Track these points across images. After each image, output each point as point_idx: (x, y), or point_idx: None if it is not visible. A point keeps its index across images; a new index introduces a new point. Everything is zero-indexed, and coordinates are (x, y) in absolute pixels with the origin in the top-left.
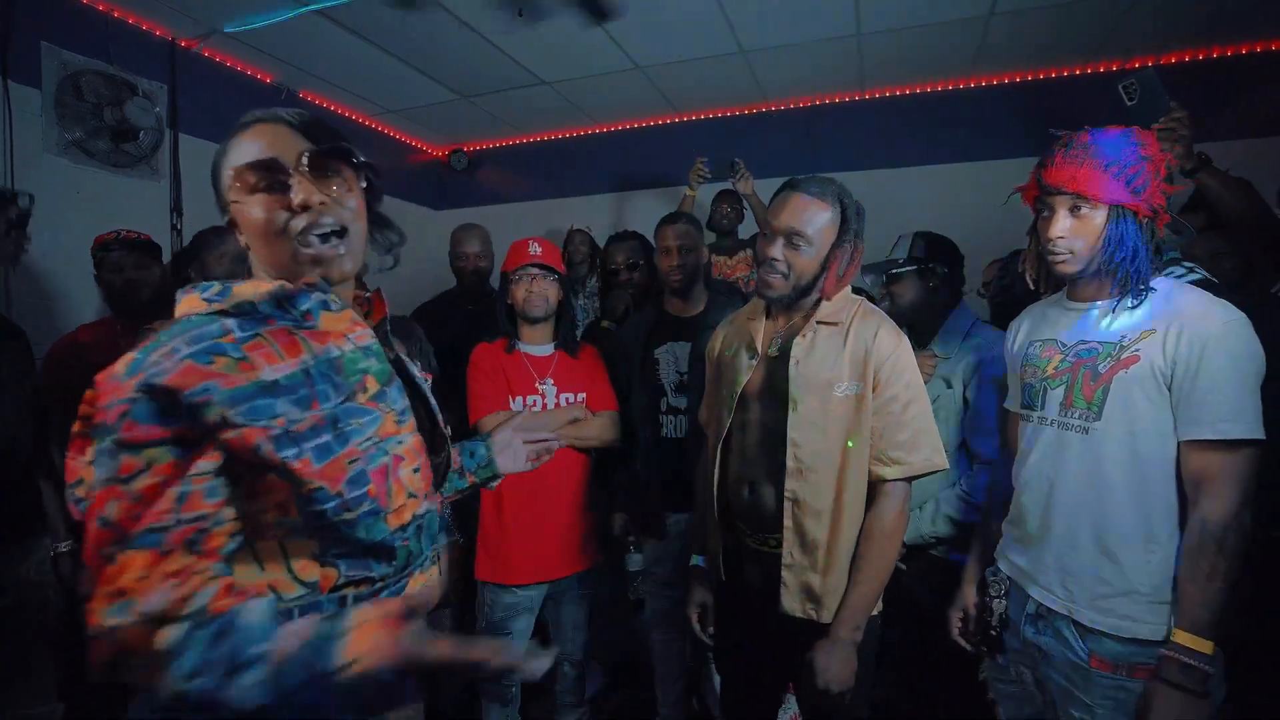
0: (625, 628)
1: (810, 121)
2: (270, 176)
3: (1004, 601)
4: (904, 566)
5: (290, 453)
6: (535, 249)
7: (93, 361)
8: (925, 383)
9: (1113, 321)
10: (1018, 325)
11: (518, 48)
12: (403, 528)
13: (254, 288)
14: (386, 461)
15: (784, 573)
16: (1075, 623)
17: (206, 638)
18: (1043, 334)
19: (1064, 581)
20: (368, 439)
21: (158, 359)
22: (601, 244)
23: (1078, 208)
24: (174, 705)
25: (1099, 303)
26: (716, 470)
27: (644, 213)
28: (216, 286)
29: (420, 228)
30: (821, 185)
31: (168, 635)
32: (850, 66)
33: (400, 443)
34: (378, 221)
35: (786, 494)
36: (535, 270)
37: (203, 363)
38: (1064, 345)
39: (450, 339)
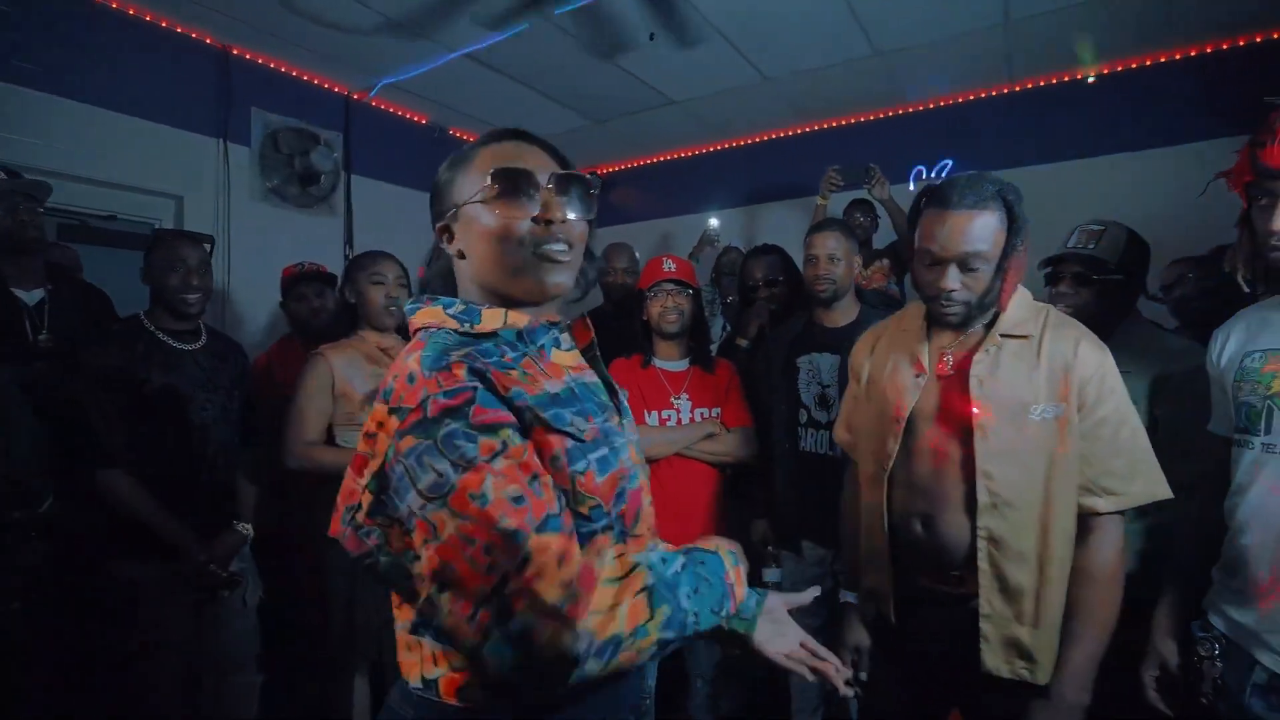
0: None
1: (953, 120)
2: (523, 186)
3: (1219, 665)
4: None
5: (579, 465)
6: (669, 265)
7: (279, 379)
8: None
9: None
10: (1225, 333)
11: (647, 71)
12: None
13: (497, 316)
14: (637, 487)
15: (983, 625)
16: None
17: (654, 562)
18: (1263, 343)
19: None
20: (628, 459)
21: (460, 358)
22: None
23: None
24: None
25: None
26: (882, 501)
27: (777, 224)
28: (460, 305)
29: None
30: (976, 190)
31: (637, 592)
32: (997, 58)
33: (644, 472)
34: (587, 253)
35: (980, 532)
36: (670, 286)
37: (502, 370)
38: None
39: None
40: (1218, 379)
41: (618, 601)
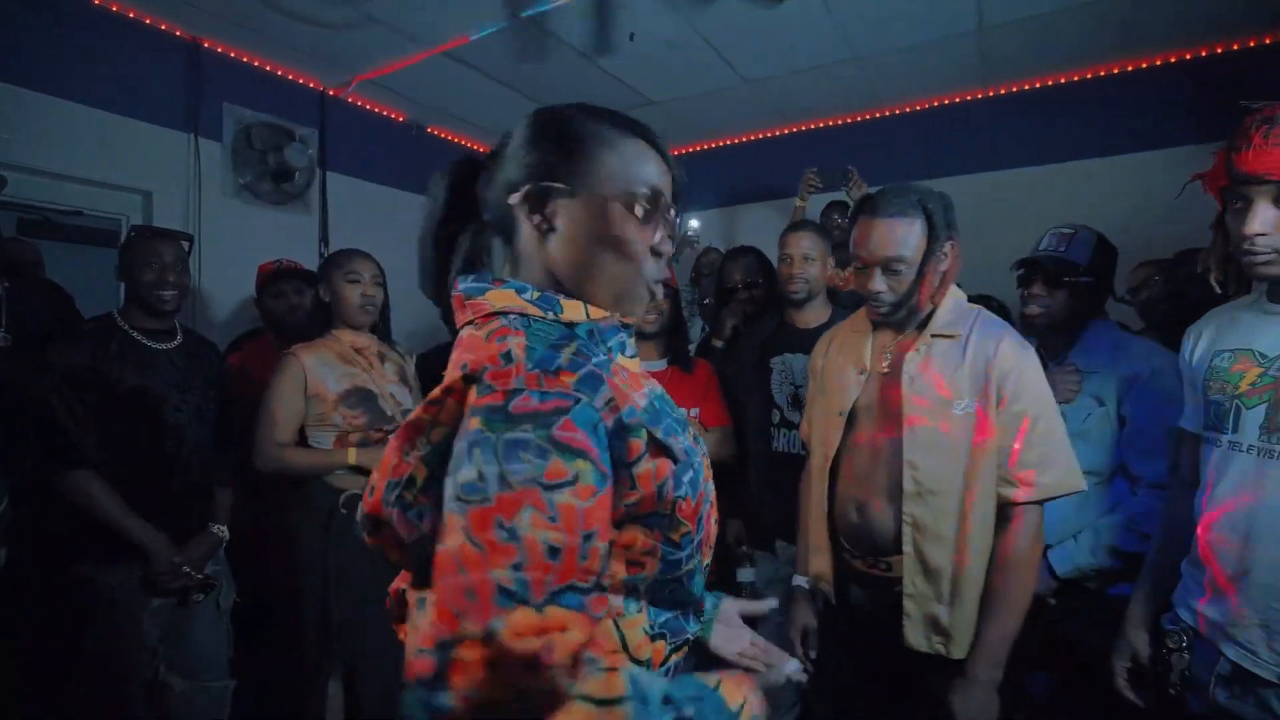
0: None
1: (929, 124)
2: (659, 211)
3: (1186, 657)
4: (1054, 601)
5: (681, 491)
6: None
7: (256, 378)
8: (1070, 401)
9: None
10: (1197, 332)
11: (628, 71)
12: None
13: (578, 308)
14: (709, 509)
15: (906, 603)
16: None
17: (639, 709)
18: (1232, 343)
19: (1271, 642)
20: (704, 477)
21: (572, 361)
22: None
23: None
24: None
25: None
26: (825, 490)
27: (756, 226)
28: (535, 293)
29: None
30: (899, 199)
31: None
32: (971, 64)
33: (713, 490)
34: None
35: (906, 518)
36: None
37: (611, 376)
38: (1263, 357)
39: None
40: (1190, 377)
41: None
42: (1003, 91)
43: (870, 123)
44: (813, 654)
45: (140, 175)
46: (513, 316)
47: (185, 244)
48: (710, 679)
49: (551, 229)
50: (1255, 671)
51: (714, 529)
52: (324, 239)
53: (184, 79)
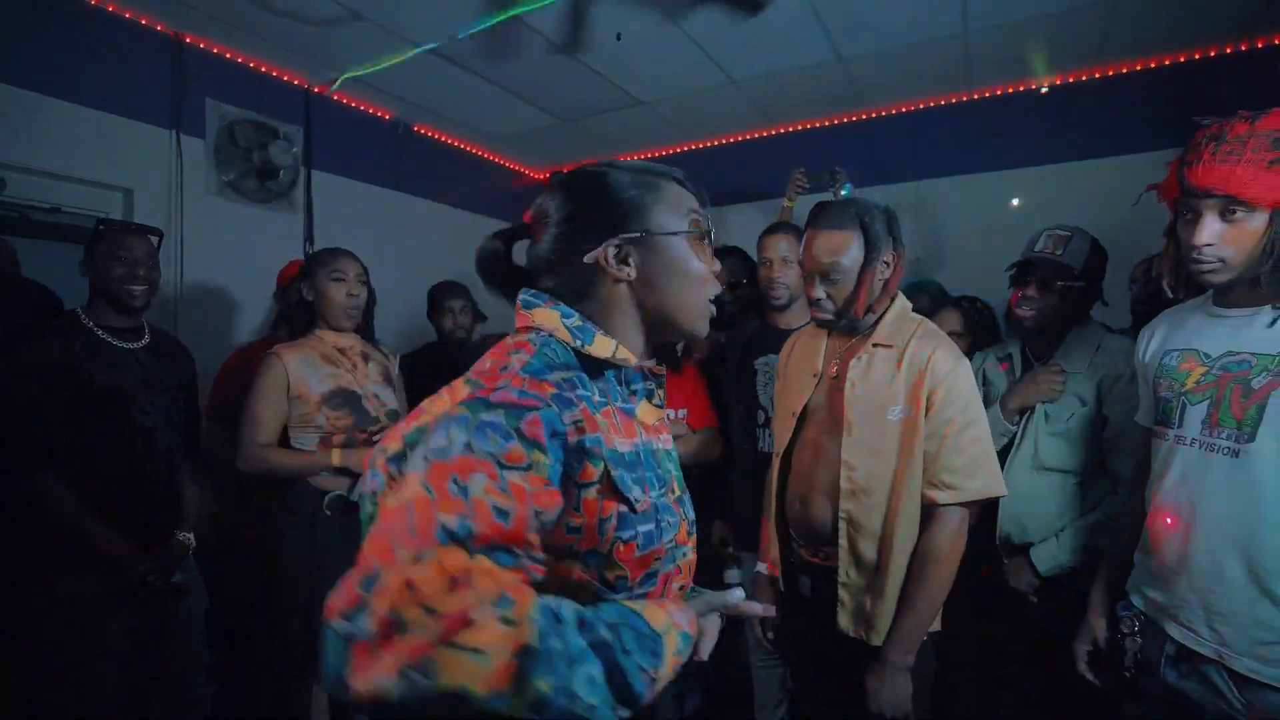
0: (724, 648)
1: (914, 126)
2: (709, 240)
3: (1138, 640)
4: (1035, 599)
5: (625, 534)
6: None
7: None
8: (1054, 400)
9: (1274, 332)
10: (1150, 332)
11: (615, 71)
12: None
13: (609, 346)
14: (672, 570)
15: (841, 591)
16: (1229, 670)
17: (549, 626)
18: (1180, 343)
19: (1210, 621)
20: (671, 540)
21: (560, 382)
22: None
23: (1232, 211)
24: None
25: (1257, 310)
26: (776, 482)
27: (742, 226)
28: (578, 319)
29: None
30: (839, 213)
31: (530, 629)
32: (957, 67)
33: (684, 555)
34: None
35: (841, 514)
36: None
37: (593, 411)
38: (1207, 356)
39: None
40: (1143, 374)
41: (485, 647)
42: (989, 94)
43: (857, 124)
44: (769, 634)
45: (121, 172)
46: (544, 334)
47: (155, 239)
48: (635, 605)
49: (632, 276)
50: (1198, 650)
51: (674, 592)
52: (309, 238)
53: (167, 75)
